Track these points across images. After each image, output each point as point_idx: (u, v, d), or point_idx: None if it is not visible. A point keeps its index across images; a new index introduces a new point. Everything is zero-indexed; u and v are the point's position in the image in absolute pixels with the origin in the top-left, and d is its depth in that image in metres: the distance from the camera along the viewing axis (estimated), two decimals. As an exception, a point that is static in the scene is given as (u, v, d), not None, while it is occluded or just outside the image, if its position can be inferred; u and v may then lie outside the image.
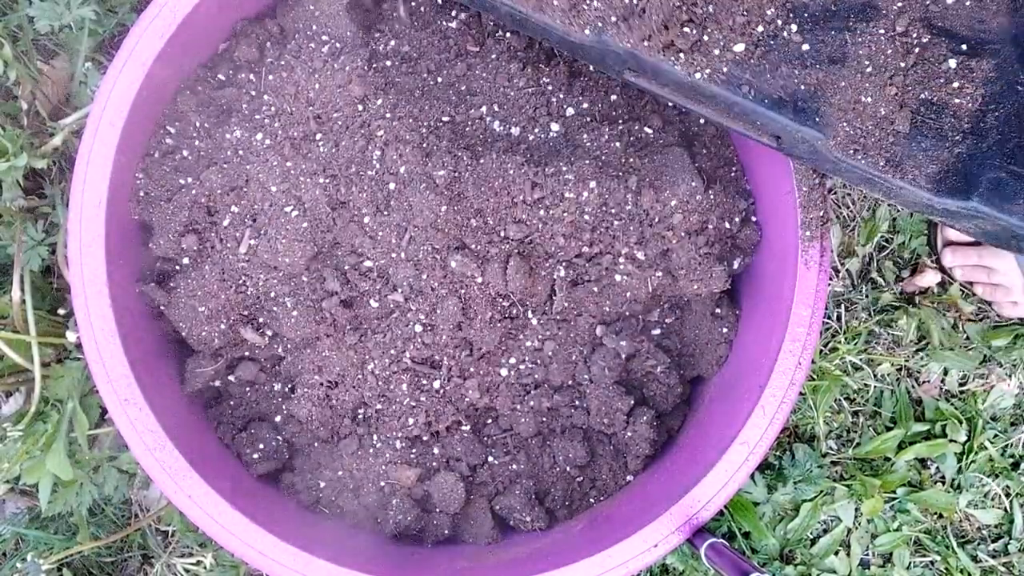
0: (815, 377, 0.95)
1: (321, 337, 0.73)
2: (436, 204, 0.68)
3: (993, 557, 0.97)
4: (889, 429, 0.96)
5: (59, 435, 0.80)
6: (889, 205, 0.99)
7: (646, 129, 0.75)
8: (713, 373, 0.78)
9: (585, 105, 0.74)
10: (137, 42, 0.66)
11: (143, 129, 0.70)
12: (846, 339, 0.97)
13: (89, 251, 0.66)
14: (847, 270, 0.98)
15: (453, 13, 0.75)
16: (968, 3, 0.60)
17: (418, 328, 0.72)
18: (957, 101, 0.59)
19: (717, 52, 0.58)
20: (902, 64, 0.59)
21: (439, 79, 0.74)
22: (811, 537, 0.96)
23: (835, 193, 0.99)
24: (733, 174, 0.77)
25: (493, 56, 0.73)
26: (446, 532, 0.75)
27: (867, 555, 0.97)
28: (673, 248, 0.72)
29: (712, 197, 0.72)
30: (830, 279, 0.86)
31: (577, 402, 0.76)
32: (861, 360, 0.97)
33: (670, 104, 0.79)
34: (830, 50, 0.59)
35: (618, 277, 0.73)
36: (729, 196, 0.74)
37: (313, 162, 0.69)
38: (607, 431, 0.76)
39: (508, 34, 0.73)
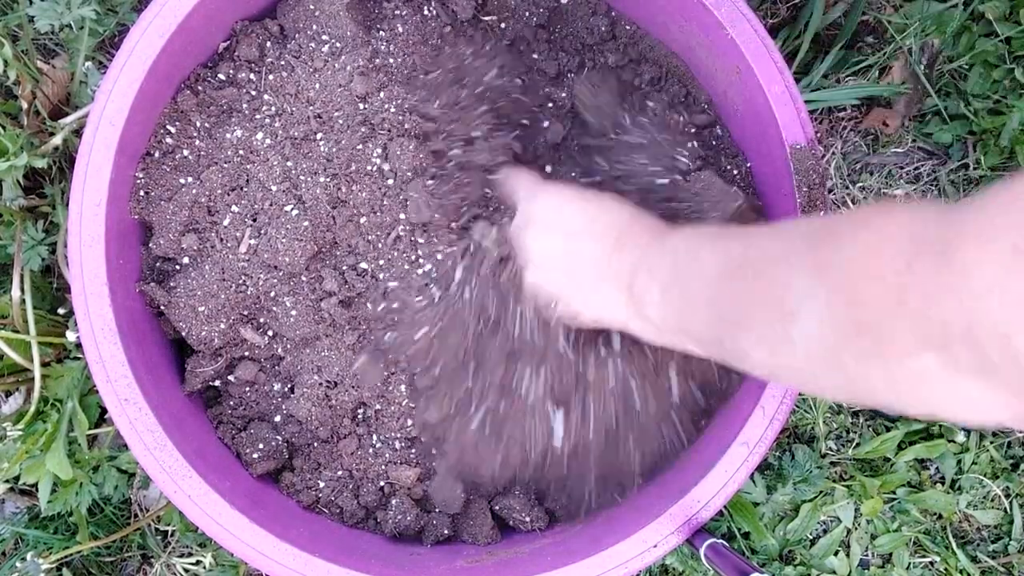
0: (815, 377, 0.95)
1: (320, 337, 0.73)
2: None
3: (993, 558, 0.97)
4: (888, 429, 0.96)
5: (59, 435, 0.80)
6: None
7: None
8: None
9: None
10: (137, 42, 0.66)
11: (143, 129, 0.70)
12: (846, 339, 0.97)
13: (89, 251, 0.65)
14: (847, 270, 0.98)
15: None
16: None
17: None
18: None
19: None
20: None
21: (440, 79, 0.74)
22: (811, 537, 0.96)
23: (834, 194, 0.99)
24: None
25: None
26: (446, 532, 0.75)
27: (867, 555, 0.97)
28: None
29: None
30: (830, 279, 0.86)
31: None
32: (861, 360, 0.97)
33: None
34: None
35: None
36: (729, 196, 0.74)
37: (314, 161, 0.69)
38: (607, 431, 0.76)
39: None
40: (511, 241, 0.67)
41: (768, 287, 0.42)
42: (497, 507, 0.76)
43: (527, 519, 0.75)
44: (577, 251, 0.60)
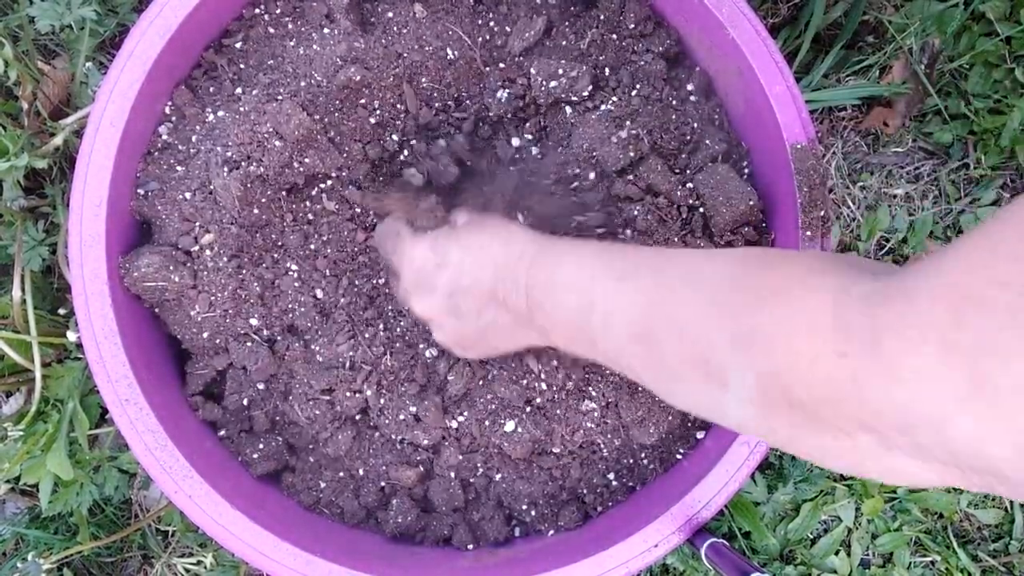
0: (815, 377, 0.95)
1: (315, 334, 0.73)
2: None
3: (994, 557, 0.97)
4: (889, 429, 0.97)
5: (59, 435, 0.80)
6: (889, 205, 0.99)
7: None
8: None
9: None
10: (137, 42, 0.66)
11: (144, 129, 0.70)
12: (846, 339, 0.97)
13: (89, 251, 0.65)
14: (847, 270, 0.98)
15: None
16: None
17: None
18: None
19: None
20: None
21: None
22: (811, 537, 0.96)
23: (834, 193, 0.99)
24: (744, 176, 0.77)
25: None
26: (446, 532, 0.75)
27: (867, 555, 0.97)
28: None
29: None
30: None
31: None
32: (861, 360, 0.97)
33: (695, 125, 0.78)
34: None
35: None
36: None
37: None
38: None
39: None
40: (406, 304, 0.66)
41: (691, 352, 0.42)
42: (508, 506, 0.76)
43: (528, 519, 0.75)
44: (460, 305, 0.58)
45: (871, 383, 0.32)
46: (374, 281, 0.75)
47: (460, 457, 0.74)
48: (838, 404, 0.34)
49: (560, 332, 0.53)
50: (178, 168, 0.71)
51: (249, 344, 0.73)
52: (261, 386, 0.75)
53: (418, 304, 0.62)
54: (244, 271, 0.71)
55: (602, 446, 0.74)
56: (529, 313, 0.54)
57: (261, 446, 0.74)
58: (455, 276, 0.58)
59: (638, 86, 0.74)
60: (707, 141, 0.74)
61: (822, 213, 0.68)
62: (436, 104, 0.73)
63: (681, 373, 0.43)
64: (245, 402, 0.75)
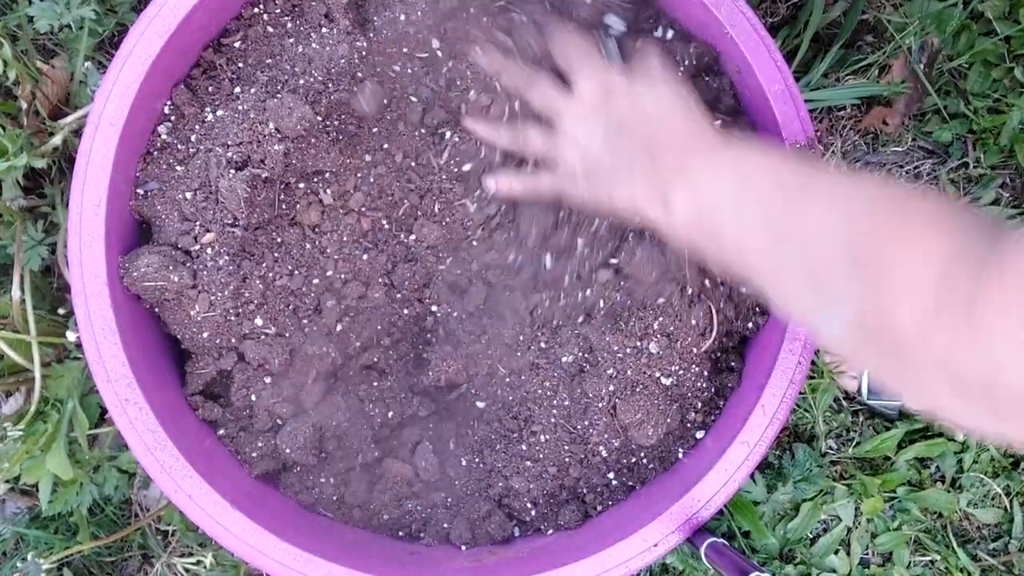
0: (815, 376, 0.95)
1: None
2: None
3: (993, 556, 0.97)
4: (888, 428, 0.97)
5: (59, 435, 0.80)
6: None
7: None
8: (713, 372, 0.78)
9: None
10: (136, 42, 0.66)
11: (143, 128, 0.70)
12: (846, 338, 0.97)
13: (89, 251, 0.65)
14: (847, 269, 0.98)
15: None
16: None
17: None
18: None
19: None
20: None
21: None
22: (811, 536, 0.96)
23: (835, 192, 0.99)
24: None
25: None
26: (445, 527, 0.75)
27: (867, 554, 0.97)
28: None
29: None
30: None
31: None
32: (861, 359, 0.97)
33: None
34: None
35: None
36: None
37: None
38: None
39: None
40: (557, 112, 0.65)
41: (810, 265, 0.45)
42: (507, 505, 0.76)
43: (528, 519, 0.75)
44: (614, 142, 0.60)
45: (961, 345, 0.35)
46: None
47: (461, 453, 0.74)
48: (928, 357, 0.37)
49: (683, 219, 0.55)
50: (178, 168, 0.71)
51: (263, 337, 0.72)
52: (268, 379, 0.74)
53: (576, 125, 0.63)
54: (244, 270, 0.71)
55: (601, 446, 0.74)
56: (665, 187, 0.56)
57: (260, 445, 0.74)
58: (624, 114, 0.60)
59: None
60: None
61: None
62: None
63: (794, 280, 0.47)
64: (254, 398, 0.74)
